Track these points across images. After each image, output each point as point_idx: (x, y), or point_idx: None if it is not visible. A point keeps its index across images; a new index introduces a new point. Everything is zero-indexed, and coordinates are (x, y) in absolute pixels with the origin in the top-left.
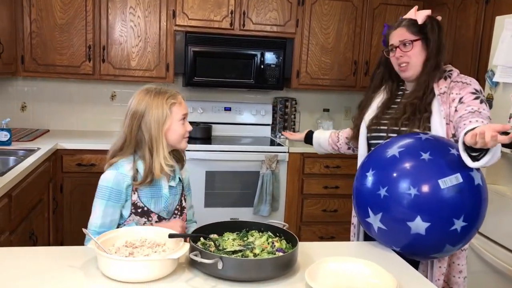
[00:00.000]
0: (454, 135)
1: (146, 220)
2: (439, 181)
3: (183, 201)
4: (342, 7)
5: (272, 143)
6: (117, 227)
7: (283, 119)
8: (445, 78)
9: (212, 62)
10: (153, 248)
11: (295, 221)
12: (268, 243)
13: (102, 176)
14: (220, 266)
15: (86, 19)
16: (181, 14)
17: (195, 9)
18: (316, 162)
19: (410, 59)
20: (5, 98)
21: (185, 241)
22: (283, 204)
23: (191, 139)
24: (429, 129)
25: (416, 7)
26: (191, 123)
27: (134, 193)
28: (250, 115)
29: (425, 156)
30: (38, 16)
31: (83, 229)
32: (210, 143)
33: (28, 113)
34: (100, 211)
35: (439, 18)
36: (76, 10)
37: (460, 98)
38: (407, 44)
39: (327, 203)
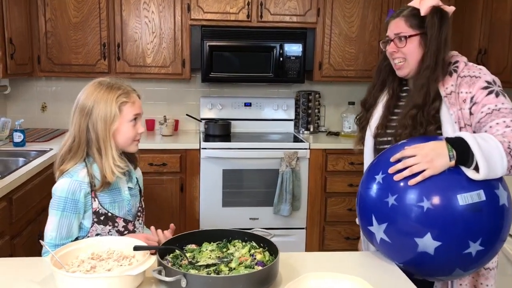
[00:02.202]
0: None
1: (111, 227)
2: (458, 196)
3: (143, 202)
4: None
5: (296, 139)
6: (77, 240)
7: (306, 114)
8: (451, 74)
9: (229, 56)
10: (119, 261)
11: (318, 221)
12: (250, 255)
13: (56, 186)
14: (183, 284)
15: (100, 16)
16: (196, 7)
17: (211, 2)
18: (340, 158)
19: (406, 56)
20: (26, 99)
21: (153, 253)
22: (305, 203)
23: (209, 136)
24: None
25: None
26: (209, 119)
27: (95, 200)
28: (272, 110)
29: None
30: (53, 15)
31: (41, 241)
32: (229, 141)
33: (48, 113)
34: (55, 222)
35: (449, 8)
36: (89, 8)
37: (472, 98)
38: (402, 39)
39: (353, 202)
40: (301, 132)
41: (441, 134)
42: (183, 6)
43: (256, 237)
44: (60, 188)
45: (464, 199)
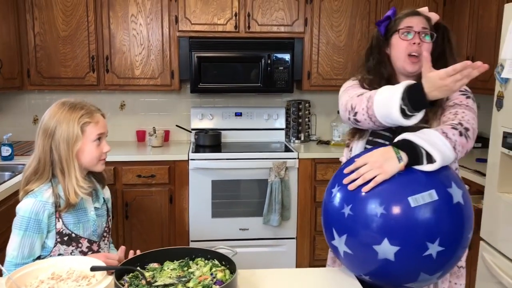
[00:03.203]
0: None
1: (74, 248)
2: (409, 198)
3: (110, 222)
4: (354, 2)
5: (287, 148)
6: (39, 259)
7: (296, 123)
8: None
9: (217, 67)
10: (78, 281)
11: (308, 230)
12: (211, 274)
13: (19, 205)
14: None
15: (88, 29)
16: (183, 19)
17: (198, 14)
18: (329, 168)
19: (422, 53)
20: (17, 112)
21: (112, 273)
22: (295, 213)
23: (200, 147)
24: None
25: (426, 7)
26: (200, 130)
27: (59, 221)
28: (263, 119)
29: None
30: (41, 29)
31: None
32: (220, 151)
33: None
34: (17, 242)
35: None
36: (78, 22)
37: (447, 98)
38: (432, 36)
39: None
40: (292, 141)
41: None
42: (171, 18)
43: (218, 255)
44: (24, 208)
45: (416, 200)
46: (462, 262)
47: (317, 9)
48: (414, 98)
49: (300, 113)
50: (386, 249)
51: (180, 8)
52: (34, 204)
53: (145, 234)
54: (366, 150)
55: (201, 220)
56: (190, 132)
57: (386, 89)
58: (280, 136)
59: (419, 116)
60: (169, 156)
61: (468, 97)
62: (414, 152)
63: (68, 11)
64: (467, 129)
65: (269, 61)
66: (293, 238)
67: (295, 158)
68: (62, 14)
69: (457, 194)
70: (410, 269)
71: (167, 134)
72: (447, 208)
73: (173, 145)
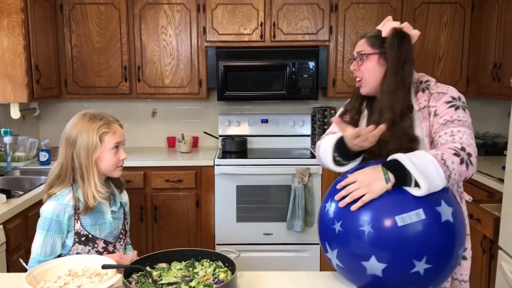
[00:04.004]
0: None
1: (91, 248)
2: (396, 217)
3: (126, 225)
4: (379, 10)
5: (312, 155)
6: (60, 256)
7: (322, 129)
8: (423, 90)
9: (243, 76)
10: (91, 278)
11: None
12: (214, 274)
13: (43, 208)
14: None
15: (121, 41)
16: (211, 30)
17: (225, 24)
18: None
19: (363, 75)
20: (56, 119)
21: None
22: None
23: (226, 153)
24: None
25: (389, 16)
26: (227, 136)
27: (77, 222)
28: (288, 126)
29: None
30: (78, 41)
31: (20, 259)
32: (245, 157)
33: None
34: (40, 241)
35: (413, 32)
36: (111, 33)
37: (435, 111)
38: (363, 57)
39: None
40: None
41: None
42: (199, 29)
43: (222, 257)
44: (47, 210)
45: (403, 220)
46: (465, 276)
47: (342, 17)
48: (342, 151)
49: (325, 120)
50: (374, 266)
51: (207, 20)
52: (56, 207)
53: (172, 237)
54: (360, 165)
55: (226, 224)
56: (217, 138)
57: (325, 141)
58: (306, 142)
59: (351, 164)
60: (195, 161)
61: (457, 108)
62: (402, 174)
63: (102, 23)
64: (470, 155)
65: (293, 69)
66: (317, 244)
67: (318, 165)
68: (97, 26)
69: (446, 212)
70: (398, 285)
71: (195, 140)
72: (434, 227)
73: (201, 151)
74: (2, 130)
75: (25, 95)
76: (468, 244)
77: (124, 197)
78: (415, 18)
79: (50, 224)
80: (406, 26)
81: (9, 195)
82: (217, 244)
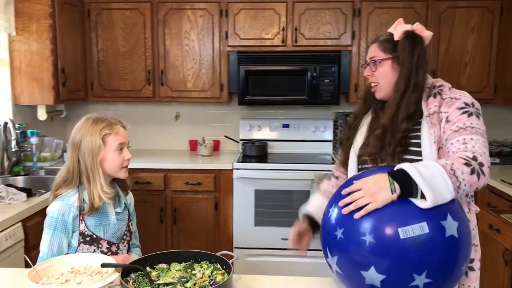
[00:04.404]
0: None
1: (95, 248)
2: (399, 229)
3: (131, 226)
4: (403, 15)
5: (334, 160)
6: None
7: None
8: (435, 95)
9: (264, 80)
10: (92, 275)
11: None
12: (212, 276)
13: (49, 207)
14: None
15: (145, 46)
16: (233, 35)
17: (247, 29)
18: None
19: (378, 80)
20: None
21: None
22: None
23: (246, 157)
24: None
25: (400, 19)
26: (248, 140)
27: (82, 223)
28: (310, 131)
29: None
30: (104, 45)
31: (25, 256)
32: (265, 161)
33: None
34: (47, 240)
35: (426, 33)
36: (136, 38)
37: (447, 117)
38: (374, 63)
39: None
40: (339, 153)
41: (407, 159)
42: (221, 34)
43: (221, 260)
44: (52, 209)
45: (405, 232)
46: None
47: (365, 22)
48: None
49: (352, 129)
50: (373, 276)
51: (230, 24)
52: (61, 207)
53: (191, 239)
54: (366, 171)
55: (244, 228)
56: (238, 142)
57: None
58: (328, 148)
59: None
60: (214, 165)
61: (470, 114)
62: (408, 185)
63: (127, 28)
64: (482, 165)
65: (315, 74)
66: None
67: None
68: (122, 31)
69: (451, 227)
70: None
71: (217, 144)
72: (438, 242)
73: (222, 155)
74: (29, 131)
75: (51, 98)
76: (476, 255)
77: (129, 198)
78: (440, 23)
79: (56, 223)
80: (418, 28)
81: (30, 194)
82: (235, 248)
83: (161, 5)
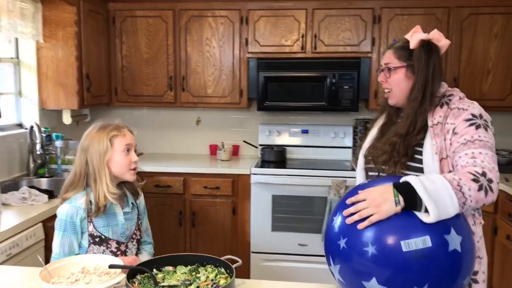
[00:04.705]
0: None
1: (105, 248)
2: (402, 242)
3: (140, 225)
4: (424, 21)
5: (353, 168)
6: None
7: (363, 142)
8: (442, 105)
9: (283, 86)
10: (100, 276)
11: None
12: (216, 279)
13: (58, 210)
14: None
15: (167, 52)
16: (253, 41)
17: (267, 36)
18: None
19: (392, 87)
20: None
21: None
22: None
23: (265, 162)
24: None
25: (417, 26)
26: (267, 146)
27: (90, 224)
28: (329, 137)
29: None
30: (128, 52)
31: (38, 256)
32: (284, 167)
33: None
34: (58, 241)
35: (442, 42)
36: (159, 45)
37: (454, 129)
38: (388, 70)
39: None
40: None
41: (409, 167)
42: (242, 40)
43: (225, 264)
44: (61, 211)
45: (408, 245)
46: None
47: (385, 29)
48: None
49: (367, 132)
50: (374, 287)
51: (250, 31)
52: (69, 209)
53: (209, 242)
54: (373, 181)
55: (262, 233)
56: (256, 147)
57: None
58: (347, 154)
59: None
60: (232, 169)
61: (478, 127)
62: (412, 198)
63: (150, 35)
64: (490, 181)
65: (334, 80)
66: None
67: (356, 177)
68: (146, 38)
69: (454, 241)
70: None
71: (236, 148)
72: (440, 256)
73: (241, 160)
74: (54, 134)
75: (76, 102)
76: (481, 267)
77: (139, 198)
78: (462, 30)
79: (65, 225)
80: (435, 37)
81: (52, 195)
82: (252, 252)
83: (183, 12)
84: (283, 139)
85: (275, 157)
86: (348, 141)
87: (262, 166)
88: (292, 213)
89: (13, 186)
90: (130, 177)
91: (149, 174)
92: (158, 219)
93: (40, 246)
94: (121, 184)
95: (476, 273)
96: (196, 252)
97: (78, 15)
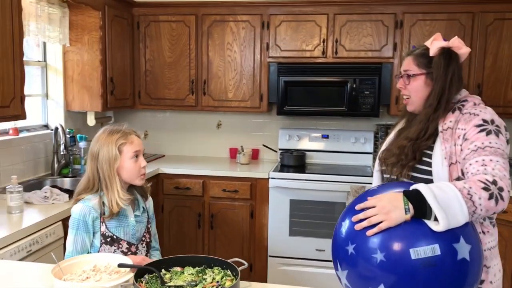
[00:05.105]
0: (459, 178)
1: (116, 248)
2: (411, 250)
3: (150, 228)
4: (447, 27)
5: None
6: None
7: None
8: (454, 110)
9: (302, 91)
10: (110, 274)
11: None
12: (218, 281)
13: (72, 209)
14: None
15: (189, 56)
16: (274, 46)
17: (288, 41)
18: None
19: (410, 94)
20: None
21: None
22: None
23: (284, 167)
24: (412, 178)
25: (438, 34)
26: (286, 150)
27: (103, 225)
28: (349, 143)
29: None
30: (151, 56)
31: (51, 253)
32: (303, 171)
33: (149, 140)
34: (71, 239)
35: (463, 50)
36: (181, 49)
37: (465, 134)
38: (407, 77)
39: None
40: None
41: (417, 169)
42: (263, 45)
43: (231, 266)
44: (74, 211)
45: (417, 253)
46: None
47: (407, 34)
48: None
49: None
50: None
51: (271, 36)
52: (82, 208)
53: (227, 245)
54: (381, 187)
55: (279, 237)
56: (276, 152)
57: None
58: (368, 160)
59: None
60: (251, 173)
61: (489, 133)
62: (422, 207)
63: (173, 40)
64: (501, 190)
65: (354, 85)
66: None
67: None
68: (169, 43)
69: (463, 250)
70: None
71: (256, 152)
72: (449, 264)
73: (260, 164)
74: (78, 136)
75: (100, 105)
76: (488, 276)
77: (148, 202)
78: (487, 35)
79: (78, 224)
80: (455, 45)
81: (72, 195)
82: (270, 256)
83: (206, 17)
84: (303, 143)
85: (294, 162)
86: (369, 147)
87: (281, 171)
88: (310, 218)
89: (37, 185)
90: (139, 182)
91: (169, 176)
92: (177, 220)
93: (60, 244)
94: (131, 187)
95: (482, 282)
96: (214, 254)
97: (103, 20)
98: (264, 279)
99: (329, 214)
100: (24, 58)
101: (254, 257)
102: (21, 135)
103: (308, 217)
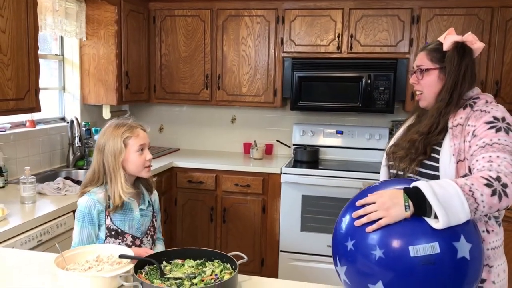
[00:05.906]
0: (466, 176)
1: (120, 241)
2: (410, 247)
3: (155, 222)
4: (465, 22)
5: None
6: None
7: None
8: (465, 107)
9: (316, 86)
10: (112, 265)
11: None
12: (221, 274)
13: (78, 201)
14: None
15: (204, 51)
16: (288, 41)
17: (302, 36)
18: None
19: (423, 89)
20: (147, 121)
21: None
22: None
23: (297, 162)
24: (419, 174)
25: (451, 29)
26: (300, 145)
27: (108, 218)
28: (364, 139)
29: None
30: (167, 50)
31: (56, 243)
32: (316, 167)
33: (164, 134)
34: (77, 231)
35: (477, 45)
36: (196, 44)
37: (474, 131)
38: (420, 72)
39: None
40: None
41: (426, 165)
42: (277, 40)
43: (230, 260)
44: (80, 203)
45: (416, 251)
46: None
47: (424, 30)
48: None
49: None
50: None
51: (286, 31)
52: (87, 201)
53: (239, 239)
54: (382, 184)
55: (291, 232)
56: (289, 147)
57: None
58: (382, 156)
59: None
60: (263, 168)
61: (498, 130)
62: (422, 204)
63: (188, 34)
64: (505, 186)
65: (369, 81)
66: None
67: None
68: (184, 37)
69: (463, 249)
70: None
71: (269, 147)
72: (448, 262)
73: (274, 159)
74: (93, 128)
75: (115, 98)
76: (489, 276)
77: (154, 196)
78: (506, 31)
79: (84, 216)
80: (469, 40)
81: None
82: (281, 251)
83: (221, 12)
84: (317, 139)
85: (308, 157)
86: (384, 143)
87: (294, 166)
88: (322, 214)
89: (52, 176)
90: (145, 174)
91: (183, 169)
92: (190, 214)
93: (70, 234)
94: (137, 181)
95: (483, 281)
96: (226, 248)
97: (119, 15)
98: (275, 274)
99: (341, 210)
100: (42, 52)
101: (265, 251)
102: (38, 127)
103: (320, 213)
